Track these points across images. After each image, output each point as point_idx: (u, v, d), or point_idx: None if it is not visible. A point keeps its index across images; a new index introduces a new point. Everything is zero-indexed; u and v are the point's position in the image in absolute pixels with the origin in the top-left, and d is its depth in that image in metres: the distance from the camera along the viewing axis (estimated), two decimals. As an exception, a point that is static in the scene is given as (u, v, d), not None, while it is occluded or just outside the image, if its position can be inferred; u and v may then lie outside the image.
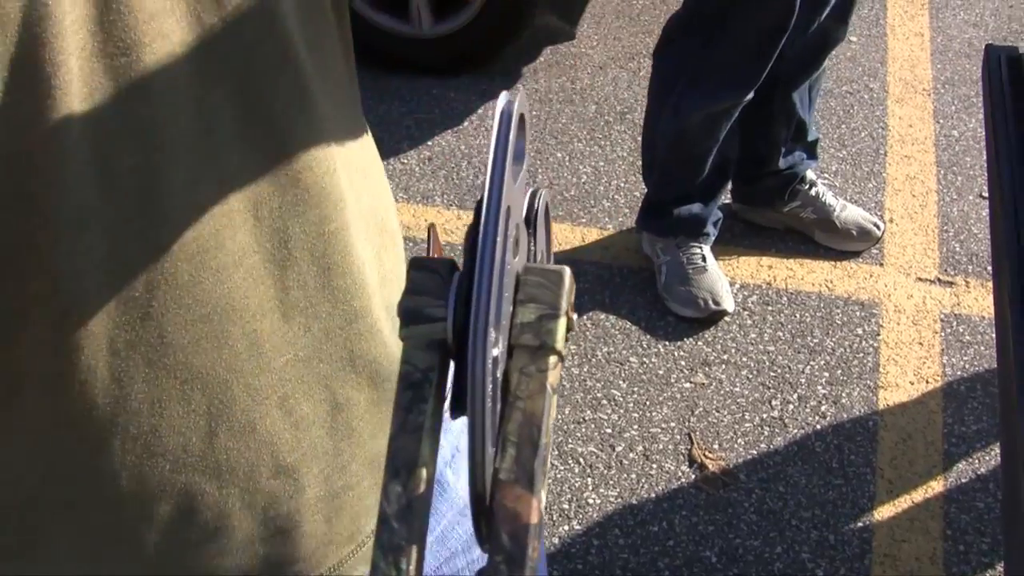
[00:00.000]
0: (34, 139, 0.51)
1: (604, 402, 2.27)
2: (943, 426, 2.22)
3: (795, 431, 2.22)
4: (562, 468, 2.15)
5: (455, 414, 0.34)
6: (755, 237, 2.65)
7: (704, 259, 2.44)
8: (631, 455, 2.17)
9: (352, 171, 0.67)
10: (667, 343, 2.39)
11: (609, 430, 2.22)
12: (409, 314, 0.35)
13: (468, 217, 2.71)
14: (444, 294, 0.34)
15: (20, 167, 0.52)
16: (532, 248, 0.38)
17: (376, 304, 0.68)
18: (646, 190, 2.50)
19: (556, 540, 2.03)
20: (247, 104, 0.59)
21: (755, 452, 2.17)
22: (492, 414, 0.32)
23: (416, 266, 0.35)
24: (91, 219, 0.54)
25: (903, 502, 2.08)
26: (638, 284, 2.52)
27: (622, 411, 2.25)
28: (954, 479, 2.12)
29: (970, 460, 2.16)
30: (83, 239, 0.54)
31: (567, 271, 0.35)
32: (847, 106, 3.08)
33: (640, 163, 2.55)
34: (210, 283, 0.59)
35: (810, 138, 2.53)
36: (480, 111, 3.07)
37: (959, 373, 2.33)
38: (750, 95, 2.24)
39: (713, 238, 2.49)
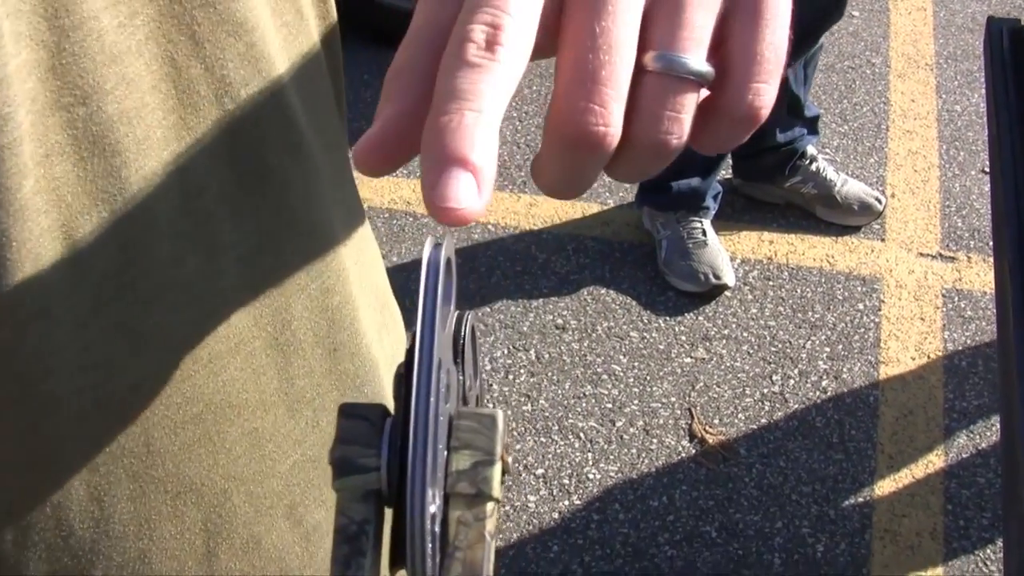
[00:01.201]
0: None
1: (604, 377, 2.27)
2: (944, 401, 2.22)
3: (796, 406, 2.22)
4: (562, 443, 2.15)
5: (394, 569, 0.34)
6: (756, 212, 2.64)
7: (705, 233, 2.44)
8: (631, 430, 2.17)
9: (351, 237, 0.58)
10: (668, 318, 2.39)
11: (609, 405, 2.22)
12: (341, 464, 0.34)
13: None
14: (376, 442, 0.34)
15: None
16: (461, 377, 0.37)
17: (388, 390, 0.60)
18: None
19: (556, 515, 2.03)
20: (237, 160, 0.49)
21: (755, 427, 2.17)
22: (433, 569, 0.32)
23: (345, 413, 0.35)
24: (58, 308, 0.45)
25: (904, 477, 2.09)
26: (639, 259, 2.52)
27: (622, 386, 2.25)
28: (955, 454, 2.13)
29: (971, 435, 2.16)
30: (50, 333, 0.45)
31: (500, 415, 0.34)
32: (849, 81, 3.07)
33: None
34: (201, 377, 0.51)
35: (809, 114, 2.52)
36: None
37: (960, 348, 2.33)
38: None
39: (713, 212, 2.49)
